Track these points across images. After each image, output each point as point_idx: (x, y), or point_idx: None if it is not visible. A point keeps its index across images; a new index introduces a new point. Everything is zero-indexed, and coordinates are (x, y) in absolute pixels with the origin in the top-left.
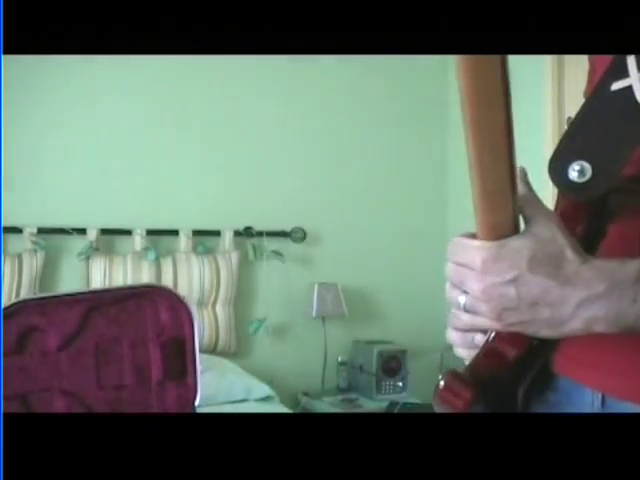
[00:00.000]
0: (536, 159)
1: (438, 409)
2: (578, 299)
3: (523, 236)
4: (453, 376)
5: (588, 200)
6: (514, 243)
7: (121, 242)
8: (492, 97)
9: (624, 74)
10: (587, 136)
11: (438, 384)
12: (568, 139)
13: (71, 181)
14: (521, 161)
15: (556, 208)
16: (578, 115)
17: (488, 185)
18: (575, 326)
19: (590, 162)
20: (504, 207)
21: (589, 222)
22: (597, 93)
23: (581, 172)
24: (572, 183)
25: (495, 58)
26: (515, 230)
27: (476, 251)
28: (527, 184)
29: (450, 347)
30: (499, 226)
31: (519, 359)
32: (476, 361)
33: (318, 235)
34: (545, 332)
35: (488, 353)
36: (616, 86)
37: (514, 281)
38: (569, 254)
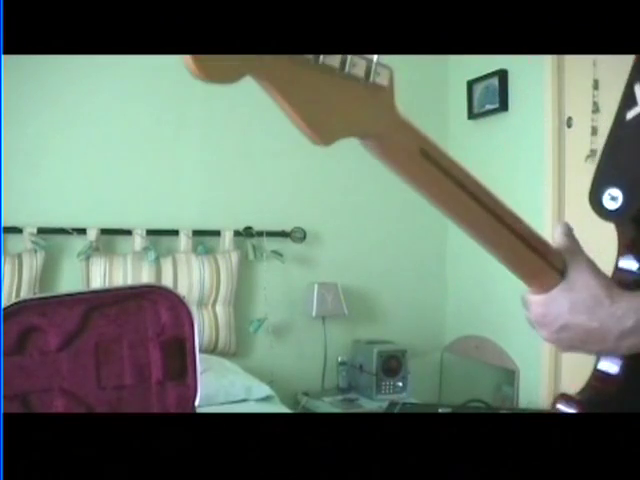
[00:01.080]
0: (537, 159)
1: None
2: (615, 335)
3: (562, 287)
4: (566, 399)
5: (624, 223)
6: (556, 296)
7: (121, 242)
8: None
9: (634, 102)
10: (614, 164)
11: (552, 408)
12: (598, 170)
13: (71, 181)
14: (521, 160)
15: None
16: (605, 145)
17: (504, 259)
18: (623, 351)
19: (620, 188)
20: (535, 268)
21: None
22: (616, 123)
23: (613, 199)
24: (607, 210)
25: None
26: (560, 276)
27: (531, 307)
28: (569, 236)
29: (450, 347)
30: (540, 282)
31: (626, 366)
32: (586, 384)
33: (318, 235)
34: (607, 354)
35: (594, 375)
36: (630, 115)
37: (563, 329)
38: (601, 297)
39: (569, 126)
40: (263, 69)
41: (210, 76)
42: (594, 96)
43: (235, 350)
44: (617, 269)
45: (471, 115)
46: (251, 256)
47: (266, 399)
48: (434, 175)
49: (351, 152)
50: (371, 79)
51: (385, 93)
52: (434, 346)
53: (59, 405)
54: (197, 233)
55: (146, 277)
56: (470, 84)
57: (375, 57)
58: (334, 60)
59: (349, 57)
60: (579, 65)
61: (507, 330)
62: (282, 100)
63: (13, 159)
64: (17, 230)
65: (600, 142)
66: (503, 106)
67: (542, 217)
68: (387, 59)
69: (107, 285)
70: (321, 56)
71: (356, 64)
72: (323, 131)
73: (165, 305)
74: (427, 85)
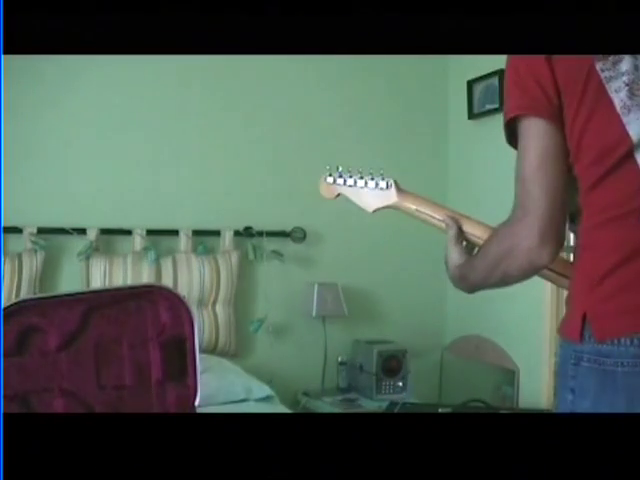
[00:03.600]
0: None
1: None
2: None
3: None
4: None
5: None
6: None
7: (121, 242)
8: None
9: None
10: None
11: None
12: None
13: (71, 181)
14: None
15: None
16: None
17: None
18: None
19: None
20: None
21: None
22: None
23: None
24: None
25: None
26: None
27: None
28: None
29: (450, 347)
30: None
31: None
32: None
33: (318, 235)
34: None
35: None
36: None
37: None
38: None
39: None
40: (345, 191)
41: (325, 195)
42: None
43: (235, 350)
44: None
45: (471, 115)
46: (251, 256)
47: (266, 399)
48: (426, 218)
49: (352, 152)
50: (379, 187)
51: (390, 189)
52: (434, 346)
53: (59, 405)
54: (197, 233)
55: (146, 277)
56: (470, 84)
57: (378, 180)
58: (364, 184)
59: (368, 182)
60: None
61: (507, 330)
62: (353, 200)
63: (13, 159)
64: (17, 230)
65: None
66: (503, 106)
67: None
68: (388, 59)
69: (107, 285)
70: (369, 183)
71: (371, 183)
72: (368, 208)
73: (165, 305)
74: (427, 85)
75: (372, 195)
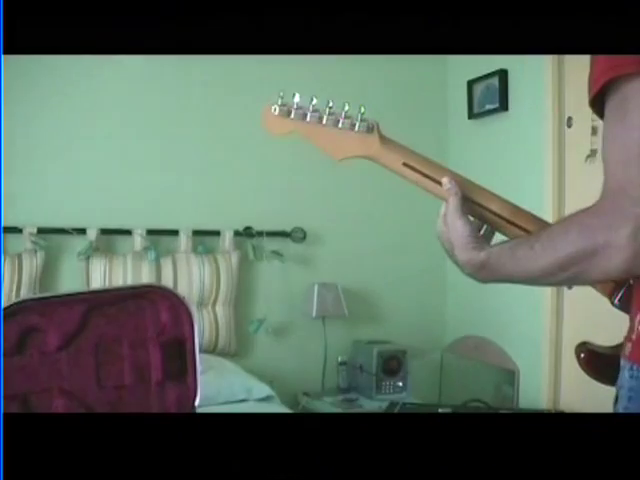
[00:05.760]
0: (537, 159)
1: None
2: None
3: None
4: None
5: None
6: None
7: (121, 242)
8: None
9: None
10: None
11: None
12: None
13: (71, 181)
14: (521, 160)
15: None
16: None
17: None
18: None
19: None
20: None
21: None
22: None
23: None
24: None
25: None
26: None
27: None
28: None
29: (450, 347)
30: None
31: None
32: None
33: (318, 235)
34: None
35: None
36: None
37: None
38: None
39: (569, 126)
40: (304, 129)
41: (270, 130)
42: None
43: (235, 350)
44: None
45: (471, 115)
46: (251, 256)
47: (266, 399)
48: (416, 177)
49: None
50: (356, 129)
51: (372, 134)
52: (434, 346)
53: (59, 405)
54: (197, 233)
55: (146, 277)
56: (470, 84)
57: (358, 117)
58: (335, 122)
59: (341, 120)
60: (579, 65)
61: (507, 330)
62: (314, 142)
63: (13, 159)
64: (17, 230)
65: (600, 142)
66: (503, 106)
67: (542, 217)
68: (388, 59)
69: (107, 285)
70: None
71: (345, 122)
72: (335, 155)
73: (165, 305)
74: (427, 85)
75: (344, 138)
